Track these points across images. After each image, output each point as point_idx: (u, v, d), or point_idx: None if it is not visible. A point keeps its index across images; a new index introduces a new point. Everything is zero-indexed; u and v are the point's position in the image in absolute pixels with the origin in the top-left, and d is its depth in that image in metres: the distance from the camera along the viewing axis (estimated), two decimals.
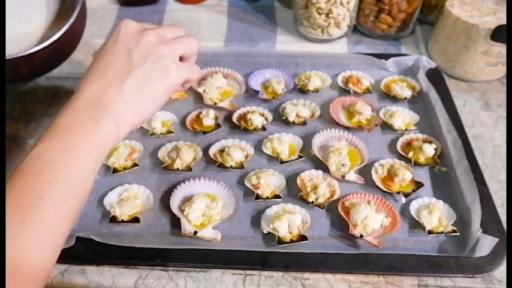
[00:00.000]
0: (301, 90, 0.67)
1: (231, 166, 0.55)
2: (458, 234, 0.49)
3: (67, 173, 0.37)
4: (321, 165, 0.56)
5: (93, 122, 0.39)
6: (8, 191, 0.34)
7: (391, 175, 0.54)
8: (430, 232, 0.49)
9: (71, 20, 0.59)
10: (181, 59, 0.47)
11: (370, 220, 0.49)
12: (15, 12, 0.65)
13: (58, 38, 0.58)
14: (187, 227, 0.49)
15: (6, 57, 0.55)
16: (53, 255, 0.36)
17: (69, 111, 0.39)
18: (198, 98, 0.65)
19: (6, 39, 0.61)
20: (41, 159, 0.36)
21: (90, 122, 0.39)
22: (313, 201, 0.52)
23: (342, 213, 0.50)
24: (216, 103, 0.64)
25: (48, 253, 0.35)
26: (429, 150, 0.56)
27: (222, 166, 0.56)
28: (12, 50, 0.57)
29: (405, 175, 0.53)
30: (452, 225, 0.49)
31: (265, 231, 0.49)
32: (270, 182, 0.54)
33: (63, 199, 0.36)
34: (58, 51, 0.62)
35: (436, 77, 0.67)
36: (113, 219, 0.50)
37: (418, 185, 0.54)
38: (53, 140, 0.37)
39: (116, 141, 0.41)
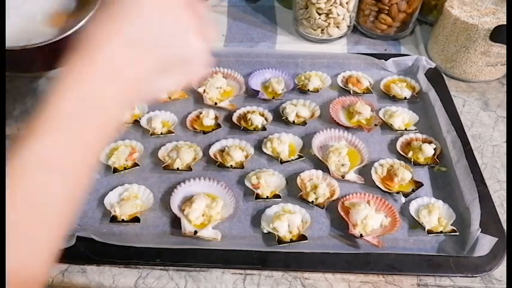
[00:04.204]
0: (301, 90, 0.67)
1: (231, 166, 0.56)
2: (457, 233, 0.49)
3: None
4: (320, 165, 0.56)
5: None
6: None
7: (390, 175, 0.54)
8: (429, 232, 0.49)
9: (95, 9, 0.60)
10: None
11: (370, 220, 0.49)
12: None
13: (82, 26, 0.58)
14: (187, 227, 0.49)
15: (35, 45, 0.55)
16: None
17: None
18: (198, 98, 0.66)
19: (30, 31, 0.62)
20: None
21: None
22: (313, 201, 0.52)
23: (342, 213, 0.50)
24: (216, 103, 0.64)
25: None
26: (429, 150, 0.57)
27: (222, 166, 0.56)
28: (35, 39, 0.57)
29: (405, 175, 0.53)
30: (451, 224, 0.50)
31: (265, 231, 0.49)
32: (270, 181, 0.54)
33: None
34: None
35: (435, 77, 0.67)
36: (113, 219, 0.50)
37: (418, 184, 0.54)
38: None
39: None
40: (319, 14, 0.72)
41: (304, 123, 0.62)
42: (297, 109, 0.62)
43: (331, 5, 0.70)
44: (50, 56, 0.60)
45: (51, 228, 0.33)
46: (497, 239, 0.46)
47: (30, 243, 0.31)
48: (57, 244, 0.33)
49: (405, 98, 0.65)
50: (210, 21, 0.39)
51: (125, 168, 0.56)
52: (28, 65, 0.62)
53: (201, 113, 0.63)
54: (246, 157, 0.57)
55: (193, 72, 0.39)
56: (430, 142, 0.58)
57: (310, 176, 0.55)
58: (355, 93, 0.66)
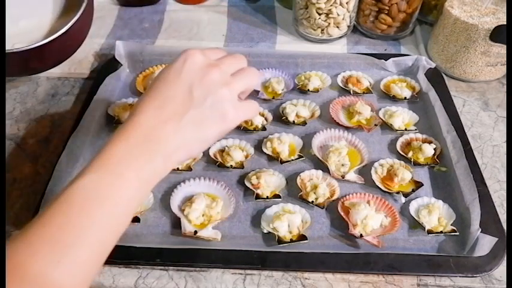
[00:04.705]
0: (301, 90, 0.67)
1: (231, 166, 0.56)
2: (457, 233, 0.49)
3: (111, 209, 0.35)
4: (320, 165, 0.56)
5: (146, 159, 0.38)
6: (49, 221, 0.33)
7: (390, 175, 0.54)
8: (429, 232, 0.49)
9: (79, 12, 0.62)
10: None
11: (370, 220, 0.49)
12: (24, 8, 0.68)
13: (67, 30, 0.60)
14: (187, 227, 0.49)
15: (22, 48, 0.57)
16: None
17: (124, 142, 0.38)
18: None
19: (17, 33, 0.63)
20: (87, 192, 0.35)
21: (143, 157, 0.38)
22: (313, 201, 0.52)
23: (342, 213, 0.50)
24: None
25: None
26: (429, 150, 0.57)
27: (222, 166, 0.56)
28: (22, 43, 0.58)
29: (405, 175, 0.53)
30: (451, 224, 0.50)
31: (265, 231, 0.49)
32: (270, 181, 0.54)
33: (102, 238, 0.35)
34: (67, 43, 0.64)
35: (435, 77, 0.67)
36: None
37: (418, 184, 0.54)
38: (102, 171, 0.36)
39: (160, 178, 0.39)
40: (319, 14, 0.72)
41: (304, 123, 0.62)
42: (297, 109, 0.62)
43: (331, 5, 0.70)
44: (38, 58, 0.61)
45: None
46: (497, 239, 0.46)
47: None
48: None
49: (405, 98, 0.65)
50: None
51: None
52: (16, 68, 0.63)
53: None
54: (246, 157, 0.57)
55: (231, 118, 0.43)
56: (430, 142, 0.58)
57: (310, 176, 0.55)
58: (355, 93, 0.66)
